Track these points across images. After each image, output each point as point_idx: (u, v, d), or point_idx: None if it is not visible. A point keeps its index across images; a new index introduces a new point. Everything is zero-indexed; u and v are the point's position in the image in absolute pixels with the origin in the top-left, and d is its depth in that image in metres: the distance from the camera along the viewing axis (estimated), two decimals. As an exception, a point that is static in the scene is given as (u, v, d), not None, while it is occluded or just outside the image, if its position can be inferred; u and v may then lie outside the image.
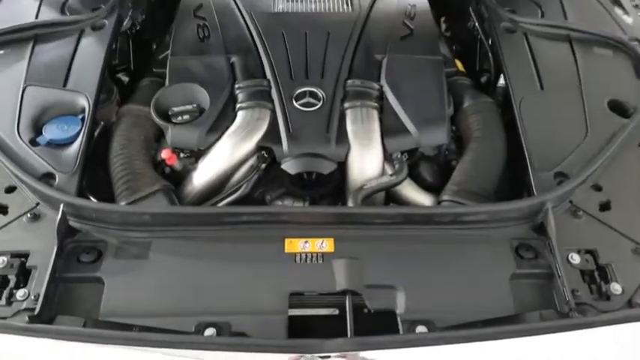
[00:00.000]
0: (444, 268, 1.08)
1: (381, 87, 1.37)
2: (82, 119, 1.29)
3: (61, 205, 1.08)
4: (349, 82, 1.36)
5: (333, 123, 1.28)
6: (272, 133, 1.27)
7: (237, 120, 1.29)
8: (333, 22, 1.53)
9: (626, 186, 1.23)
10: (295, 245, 1.09)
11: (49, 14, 1.54)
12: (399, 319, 0.99)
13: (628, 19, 1.62)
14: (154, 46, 1.76)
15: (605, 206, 1.18)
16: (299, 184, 1.31)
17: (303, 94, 1.33)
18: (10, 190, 1.18)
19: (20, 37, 1.45)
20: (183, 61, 1.41)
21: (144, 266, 1.05)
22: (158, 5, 1.83)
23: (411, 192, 1.29)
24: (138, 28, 1.68)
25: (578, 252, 1.09)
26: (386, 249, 1.09)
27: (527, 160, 1.21)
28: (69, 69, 1.37)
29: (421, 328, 0.97)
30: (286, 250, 1.08)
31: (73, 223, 1.10)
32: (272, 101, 1.32)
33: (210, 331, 0.95)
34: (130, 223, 1.10)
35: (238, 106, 1.31)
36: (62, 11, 1.55)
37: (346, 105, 1.32)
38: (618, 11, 1.66)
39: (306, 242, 1.09)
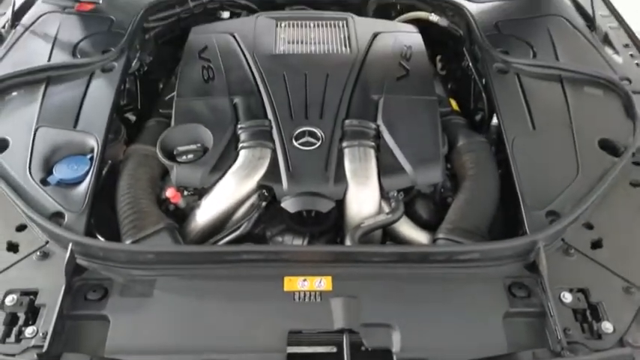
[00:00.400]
0: (439, 306, 1.11)
1: (378, 127, 1.43)
2: (91, 159, 1.35)
3: (70, 244, 1.13)
4: (347, 121, 1.43)
5: (332, 162, 1.34)
6: (272, 171, 1.33)
7: (239, 159, 1.35)
8: (332, 64, 1.60)
9: (617, 224, 1.27)
10: (294, 284, 1.13)
11: (61, 56, 1.62)
12: (395, 357, 1.03)
13: (618, 59, 1.68)
14: (161, 86, 1.84)
15: (596, 244, 1.22)
16: (299, 221, 1.36)
17: (302, 134, 1.39)
18: (21, 228, 1.24)
19: (33, 79, 1.53)
20: (189, 102, 1.48)
21: (148, 304, 1.10)
22: (164, 46, 1.91)
23: (408, 229, 1.34)
24: (145, 68, 1.76)
25: (570, 290, 1.12)
26: (382, 287, 1.13)
27: (520, 199, 1.26)
28: (79, 110, 1.44)
29: (417, 367, 1.00)
30: (285, 289, 1.12)
31: (80, 261, 1.15)
32: (273, 141, 1.38)
33: (210, 370, 0.99)
34: (135, 261, 1.15)
35: (240, 145, 1.37)
36: (74, 54, 1.64)
37: (344, 144, 1.38)
38: (609, 50, 1.72)
39: (304, 280, 1.13)
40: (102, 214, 1.31)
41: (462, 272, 1.17)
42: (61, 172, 1.32)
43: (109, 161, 1.43)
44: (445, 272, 1.17)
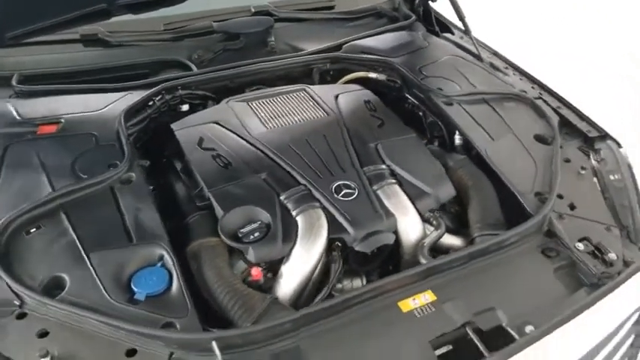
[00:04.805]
0: (514, 282, 1.51)
1: (389, 166, 1.79)
2: (162, 265, 1.43)
3: (213, 342, 1.22)
4: (365, 169, 1.76)
5: (375, 203, 1.65)
6: (333, 226, 1.58)
7: (300, 225, 1.57)
8: (322, 126, 1.91)
9: (572, 189, 1.82)
10: (408, 304, 1.41)
11: (63, 182, 1.61)
12: (508, 328, 1.37)
13: (509, 79, 2.36)
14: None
15: (572, 207, 1.76)
16: (361, 261, 1.63)
17: (339, 188, 1.68)
18: (131, 353, 1.25)
19: (45, 211, 1.51)
20: (223, 189, 1.64)
21: None
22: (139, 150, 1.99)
23: (447, 238, 1.71)
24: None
25: (579, 241, 1.63)
26: (469, 283, 1.48)
27: (514, 190, 1.74)
28: (124, 225, 1.49)
29: (530, 327, 1.37)
30: (404, 310, 1.39)
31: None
32: (317, 200, 1.64)
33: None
34: (273, 335, 1.29)
35: (294, 212, 1.59)
36: (74, 175, 1.64)
37: (374, 187, 1.71)
38: (499, 74, 2.40)
39: (414, 300, 1.42)
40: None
41: (510, 254, 1.58)
42: (145, 286, 1.37)
43: None
44: (498, 258, 1.57)
